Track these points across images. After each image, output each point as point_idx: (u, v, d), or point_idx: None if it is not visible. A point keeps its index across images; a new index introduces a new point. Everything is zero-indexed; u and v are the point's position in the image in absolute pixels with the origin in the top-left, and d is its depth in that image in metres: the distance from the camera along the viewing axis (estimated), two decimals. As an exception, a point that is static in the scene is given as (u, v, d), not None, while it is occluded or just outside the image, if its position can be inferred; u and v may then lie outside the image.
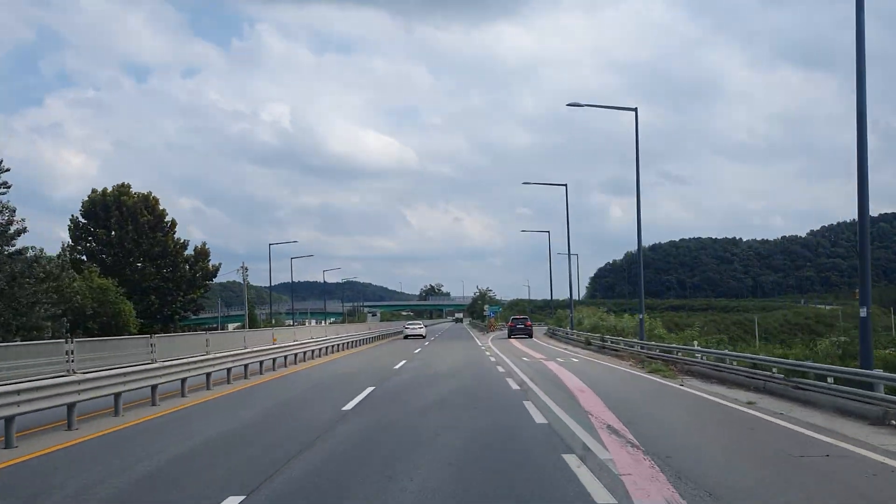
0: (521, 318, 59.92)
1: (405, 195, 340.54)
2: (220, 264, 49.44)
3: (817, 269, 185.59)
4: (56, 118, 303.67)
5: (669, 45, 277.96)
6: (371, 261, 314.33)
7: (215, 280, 60.89)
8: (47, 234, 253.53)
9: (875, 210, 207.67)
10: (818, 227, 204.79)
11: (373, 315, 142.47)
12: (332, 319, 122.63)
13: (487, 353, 30.95)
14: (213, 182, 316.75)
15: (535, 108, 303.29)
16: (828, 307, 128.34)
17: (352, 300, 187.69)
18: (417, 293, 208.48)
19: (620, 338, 30.11)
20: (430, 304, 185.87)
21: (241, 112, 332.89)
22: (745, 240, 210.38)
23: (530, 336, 53.01)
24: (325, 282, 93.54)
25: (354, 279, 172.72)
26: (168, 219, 48.26)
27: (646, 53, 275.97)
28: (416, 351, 34.25)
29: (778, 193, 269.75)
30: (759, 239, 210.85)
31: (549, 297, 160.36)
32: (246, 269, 54.35)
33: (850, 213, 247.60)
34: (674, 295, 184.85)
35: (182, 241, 48.49)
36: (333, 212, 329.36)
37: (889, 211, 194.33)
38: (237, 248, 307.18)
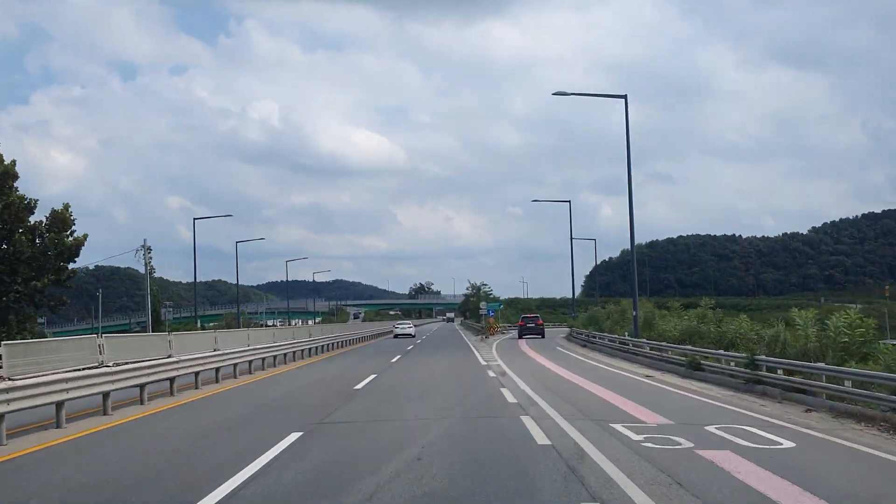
0: (532, 316, 55.88)
1: (396, 194, 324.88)
2: (85, 237, 31.41)
3: (820, 266, 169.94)
4: (42, 116, 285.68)
5: (660, 44, 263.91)
6: (362, 260, 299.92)
7: (196, 279, 46.30)
8: None
9: (878, 207, 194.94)
10: (819, 224, 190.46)
11: (355, 316, 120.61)
12: (318, 319, 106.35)
13: (507, 394, 13.72)
14: (201, 181, 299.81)
15: (526, 108, 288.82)
16: (857, 306, 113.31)
17: (342, 299, 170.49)
18: (406, 292, 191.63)
19: (824, 366, 12.35)
20: (420, 303, 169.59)
21: (230, 110, 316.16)
22: (744, 237, 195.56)
23: (542, 336, 49.35)
24: (287, 279, 75.64)
25: (325, 272, 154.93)
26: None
27: (636, 52, 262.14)
28: (361, 385, 16.36)
29: (768, 193, 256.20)
30: (759, 236, 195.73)
31: (547, 296, 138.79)
32: (148, 249, 36.77)
33: (844, 212, 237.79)
34: (672, 294, 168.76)
35: (28, 200, 30.94)
36: (324, 211, 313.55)
37: (891, 207, 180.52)
38: (226, 248, 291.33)
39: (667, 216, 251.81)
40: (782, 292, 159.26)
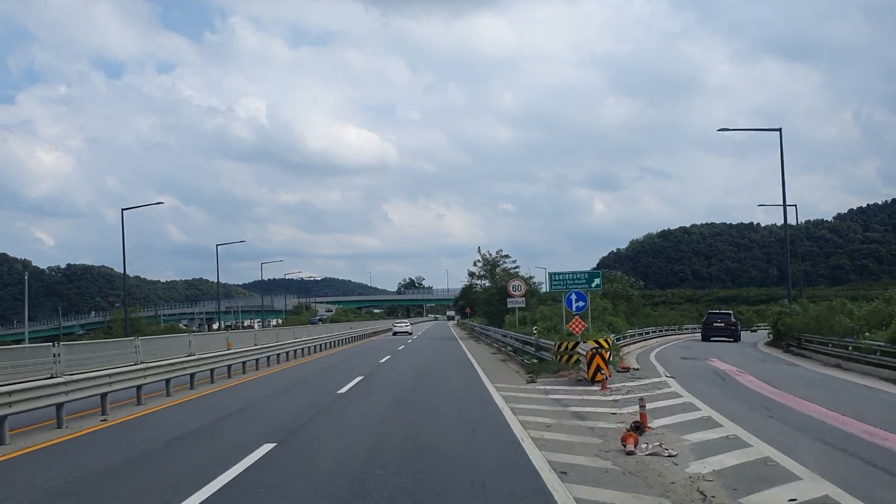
0: (722, 312, 45.43)
1: (386, 191, 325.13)
2: None
3: (850, 256, 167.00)
4: (27, 115, 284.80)
5: (651, 38, 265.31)
6: (353, 259, 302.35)
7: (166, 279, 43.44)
8: (21, 235, 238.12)
9: (869, 201, 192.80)
10: (846, 211, 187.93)
11: (312, 321, 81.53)
12: (279, 320, 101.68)
13: None
14: (189, 180, 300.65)
15: (516, 103, 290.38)
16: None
17: (331, 297, 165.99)
18: (395, 288, 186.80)
19: None
20: (408, 300, 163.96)
21: (217, 108, 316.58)
22: (763, 225, 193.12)
23: (736, 339, 39.94)
24: (240, 278, 72.01)
25: (293, 273, 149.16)
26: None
27: (627, 46, 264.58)
28: None
29: (757, 188, 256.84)
30: (779, 224, 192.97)
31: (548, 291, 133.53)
32: None
33: (836, 207, 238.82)
34: (689, 286, 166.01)
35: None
36: (314, 209, 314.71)
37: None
38: (212, 246, 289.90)
39: (660, 211, 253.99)
40: (809, 284, 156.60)
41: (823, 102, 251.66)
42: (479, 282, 58.09)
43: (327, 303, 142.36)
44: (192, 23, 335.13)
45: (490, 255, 55.86)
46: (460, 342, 44.52)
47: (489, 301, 51.61)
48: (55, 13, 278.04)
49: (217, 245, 63.61)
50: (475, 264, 57.02)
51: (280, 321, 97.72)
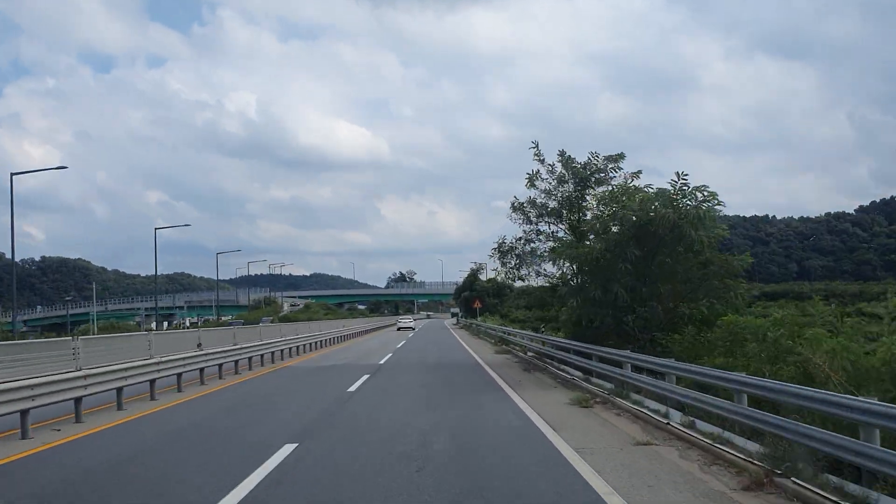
0: None
1: (378, 188, 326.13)
2: None
3: (877, 250, 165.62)
4: (14, 108, 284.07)
5: (647, 34, 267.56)
6: (345, 255, 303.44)
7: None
8: (8, 230, 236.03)
9: (862, 202, 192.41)
10: (867, 203, 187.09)
11: (234, 324, 64.50)
12: (233, 315, 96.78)
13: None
14: (180, 175, 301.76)
15: (510, 100, 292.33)
16: None
17: (319, 291, 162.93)
18: (384, 284, 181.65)
19: None
20: (396, 294, 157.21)
21: (206, 102, 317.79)
22: (778, 217, 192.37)
23: None
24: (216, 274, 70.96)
25: (277, 265, 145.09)
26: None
27: (622, 43, 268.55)
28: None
29: (753, 187, 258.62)
30: (797, 217, 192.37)
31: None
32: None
33: (826, 207, 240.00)
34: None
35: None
36: (306, 205, 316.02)
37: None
38: (207, 243, 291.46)
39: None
40: (832, 278, 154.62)
41: (819, 101, 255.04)
42: (527, 228, 26.13)
43: (302, 297, 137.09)
44: (180, 15, 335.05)
45: (571, 157, 24.87)
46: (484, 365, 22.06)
47: (606, 267, 19.20)
48: (44, 5, 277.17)
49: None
50: (531, 181, 25.39)
51: (183, 322, 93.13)
